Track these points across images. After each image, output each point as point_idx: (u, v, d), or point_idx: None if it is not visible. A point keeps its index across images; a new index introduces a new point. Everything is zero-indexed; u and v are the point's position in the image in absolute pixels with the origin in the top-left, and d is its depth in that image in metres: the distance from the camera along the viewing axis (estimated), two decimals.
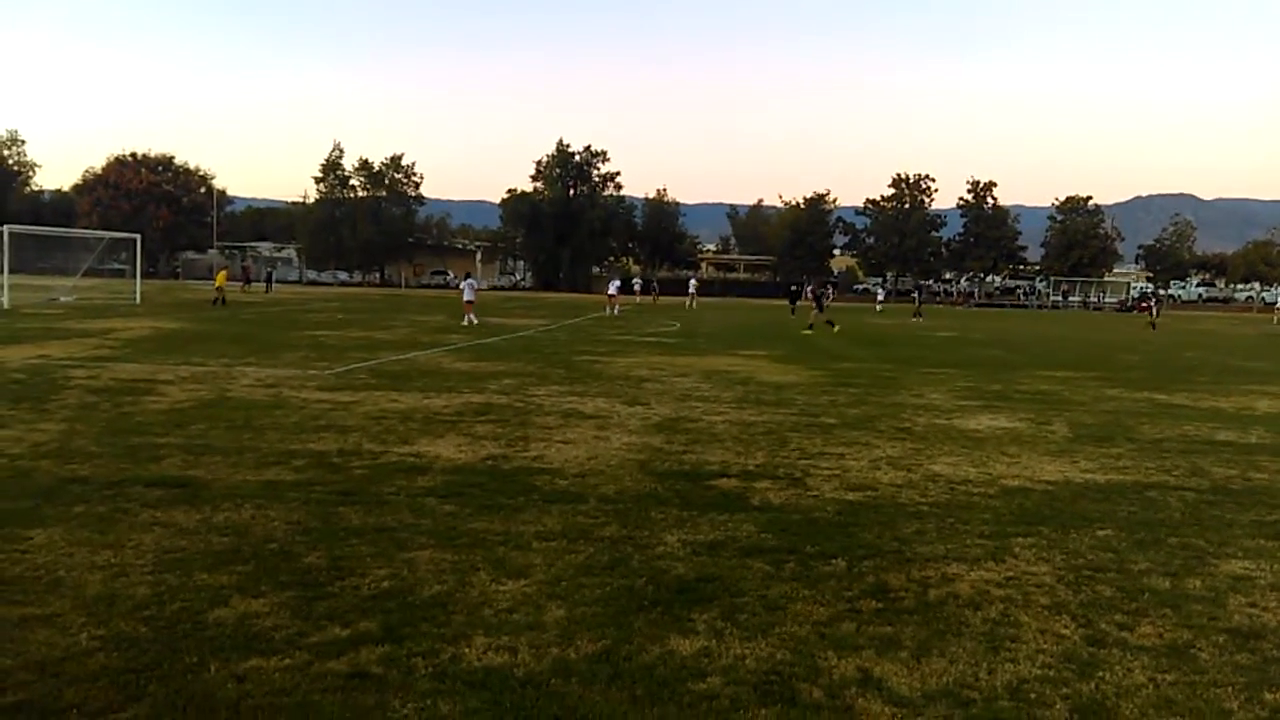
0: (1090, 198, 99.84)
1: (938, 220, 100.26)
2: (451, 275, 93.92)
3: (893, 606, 5.53)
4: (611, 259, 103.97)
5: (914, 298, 59.93)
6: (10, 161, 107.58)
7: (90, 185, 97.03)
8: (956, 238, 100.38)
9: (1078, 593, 5.88)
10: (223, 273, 45.47)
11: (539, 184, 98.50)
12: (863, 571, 6.15)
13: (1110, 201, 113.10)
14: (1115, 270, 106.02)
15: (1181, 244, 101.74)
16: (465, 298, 33.57)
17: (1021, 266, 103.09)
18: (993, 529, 7.32)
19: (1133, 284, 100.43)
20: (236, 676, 4.33)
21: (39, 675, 4.28)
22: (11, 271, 37.18)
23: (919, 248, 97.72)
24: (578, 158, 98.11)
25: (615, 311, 45.12)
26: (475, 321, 31.98)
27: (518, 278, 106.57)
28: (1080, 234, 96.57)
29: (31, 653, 4.51)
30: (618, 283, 50.70)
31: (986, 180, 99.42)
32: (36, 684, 4.20)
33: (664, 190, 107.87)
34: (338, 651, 4.63)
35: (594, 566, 6.07)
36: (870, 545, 6.75)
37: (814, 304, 37.12)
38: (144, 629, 4.84)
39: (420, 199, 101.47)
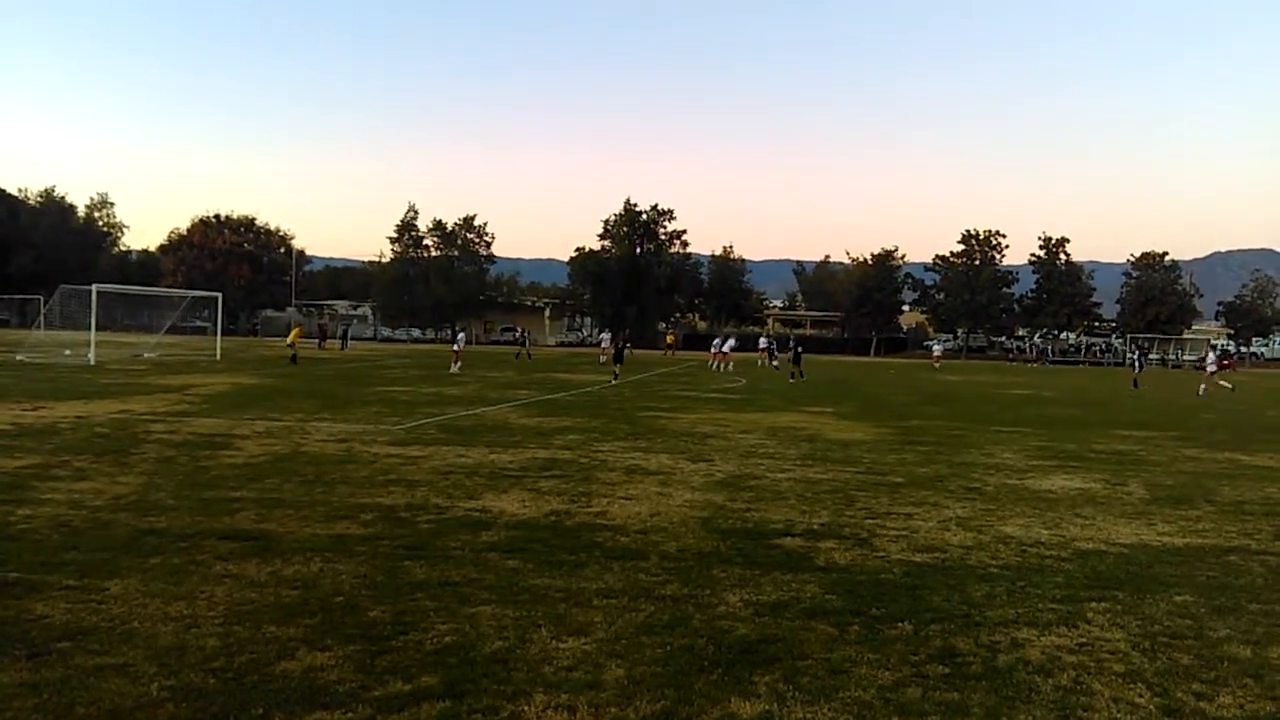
0: (1167, 253, 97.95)
1: (1009, 276, 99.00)
2: (520, 332, 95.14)
3: (960, 672, 5.41)
4: (678, 315, 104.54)
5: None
6: (100, 223, 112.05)
7: (175, 245, 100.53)
8: (1029, 294, 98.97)
9: (1154, 660, 5.69)
10: (295, 330, 45.10)
11: (606, 242, 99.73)
12: (930, 635, 6.03)
13: (1188, 257, 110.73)
14: (1195, 327, 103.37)
15: (1264, 300, 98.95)
16: (455, 348, 39.95)
17: (1097, 323, 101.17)
18: (1065, 593, 7.13)
19: (1213, 341, 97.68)
20: None
21: None
22: (100, 328, 38.59)
23: (990, 304, 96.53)
24: (644, 216, 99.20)
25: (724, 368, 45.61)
26: (457, 370, 36.30)
27: (585, 334, 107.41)
28: (1157, 290, 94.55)
29: (105, 702, 4.62)
30: (733, 342, 50.65)
31: (1059, 236, 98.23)
32: None
33: (730, 247, 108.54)
34: (399, 706, 4.67)
35: (655, 625, 6.05)
36: (938, 608, 6.62)
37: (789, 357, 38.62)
38: (212, 680, 4.94)
39: (491, 258, 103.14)
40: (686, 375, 40.90)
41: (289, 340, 42.68)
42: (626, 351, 37.94)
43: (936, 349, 69.70)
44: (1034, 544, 8.84)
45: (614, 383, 32.43)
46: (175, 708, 4.58)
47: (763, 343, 49.91)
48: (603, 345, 54.60)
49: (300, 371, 34.63)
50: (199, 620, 5.88)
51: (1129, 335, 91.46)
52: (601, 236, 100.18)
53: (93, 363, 34.55)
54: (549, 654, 5.48)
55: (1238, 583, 7.63)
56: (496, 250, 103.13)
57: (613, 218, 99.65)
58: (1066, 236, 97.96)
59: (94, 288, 38.76)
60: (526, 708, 4.70)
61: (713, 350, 49.14)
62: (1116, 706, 4.96)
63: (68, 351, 38.02)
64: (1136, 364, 44.75)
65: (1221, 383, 38.60)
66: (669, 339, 73.64)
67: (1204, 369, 40.62)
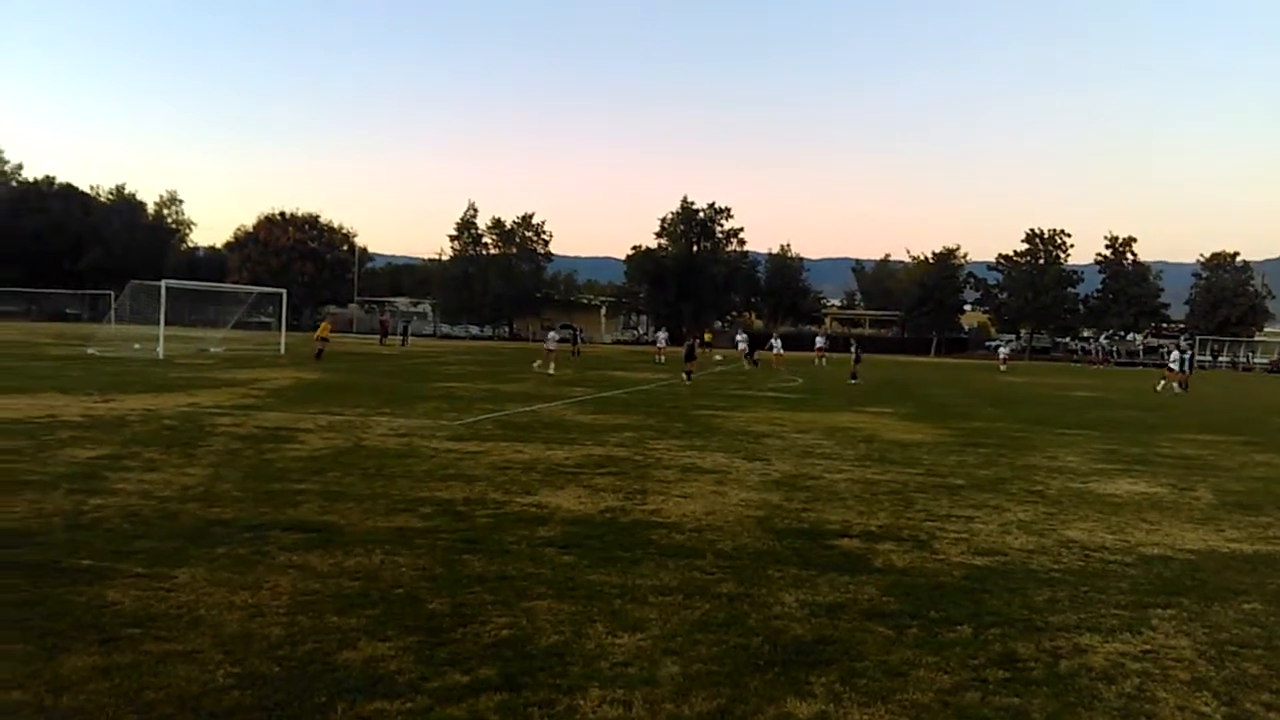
0: (1238, 253, 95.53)
1: (1074, 276, 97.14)
2: (578, 329, 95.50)
3: (1021, 677, 5.33)
4: (734, 314, 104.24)
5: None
6: (169, 220, 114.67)
7: (241, 242, 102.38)
8: (1095, 294, 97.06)
9: (1221, 669, 5.56)
10: (325, 325, 42.91)
11: (663, 240, 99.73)
12: (990, 639, 5.95)
13: (1260, 258, 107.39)
14: (1266, 329, 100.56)
15: None
16: (548, 347, 38.06)
17: (1164, 325, 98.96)
18: (1130, 599, 6.99)
19: (1179, 344, 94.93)
20: (361, 718, 4.46)
21: (179, 709, 4.50)
22: (168, 323, 39.41)
23: (1054, 305, 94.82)
24: (701, 214, 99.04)
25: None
26: (551, 370, 34.22)
27: (640, 332, 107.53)
28: (1227, 291, 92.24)
29: (173, 687, 4.74)
30: (777, 343, 50.42)
31: (1126, 235, 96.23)
32: (177, 717, 4.42)
33: (788, 245, 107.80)
34: (458, 697, 4.72)
35: (710, 623, 6.05)
36: (998, 612, 6.53)
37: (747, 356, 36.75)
38: (276, 668, 5.04)
39: (549, 256, 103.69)
40: (742, 374, 40.76)
41: (317, 334, 40.81)
42: (699, 351, 37.04)
43: (1003, 351, 67.84)
44: (1098, 549, 8.68)
45: (687, 382, 32.21)
46: (240, 694, 4.69)
47: (776, 344, 49.10)
48: (659, 344, 54.21)
49: (361, 367, 35.12)
50: (264, 609, 6.00)
51: (1196, 336, 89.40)
52: (658, 235, 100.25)
53: (161, 357, 35.34)
54: (604, 649, 5.51)
55: None
56: (554, 248, 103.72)
57: (669, 216, 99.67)
58: (1133, 236, 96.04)
59: (163, 283, 39.59)
60: (582, 702, 4.73)
61: (739, 349, 49.60)
62: (1182, 715, 4.86)
63: (137, 345, 38.92)
64: (1185, 365, 42.34)
65: (1174, 385, 39.01)
66: (707, 337, 73.41)
67: (1167, 367, 41.97)
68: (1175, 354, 42.40)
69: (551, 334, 39.93)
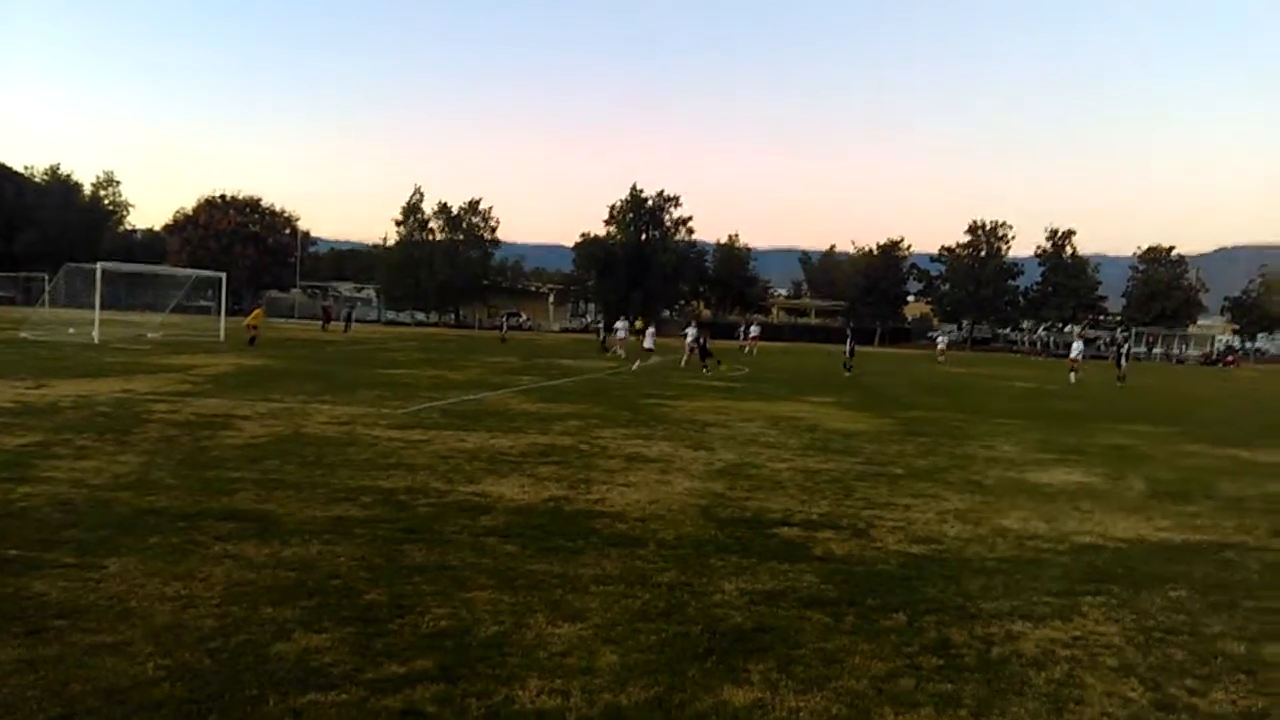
0: (1173, 248, 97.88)
1: (1014, 268, 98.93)
2: (524, 317, 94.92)
3: (954, 663, 5.42)
4: (683, 302, 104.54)
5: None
6: (106, 201, 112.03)
7: (181, 225, 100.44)
8: (1034, 286, 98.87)
9: (1147, 655, 5.71)
10: (258, 311, 42.24)
11: (612, 228, 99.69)
12: (924, 626, 6.04)
13: (1195, 252, 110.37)
14: (1200, 322, 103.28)
15: (1270, 296, 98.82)
16: (618, 335, 41.39)
17: (1102, 317, 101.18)
18: (1061, 586, 7.14)
19: (1217, 337, 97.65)
20: (294, 711, 4.41)
21: (106, 702, 4.41)
22: (104, 307, 38.47)
23: (995, 296, 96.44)
24: (650, 203, 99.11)
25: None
26: (620, 354, 35.90)
27: (589, 320, 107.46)
28: (1163, 285, 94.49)
29: (100, 679, 4.65)
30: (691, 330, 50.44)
31: (1066, 228, 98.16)
32: (103, 710, 4.33)
33: (736, 235, 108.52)
34: (394, 688, 4.69)
35: (650, 612, 6.06)
36: (933, 600, 6.63)
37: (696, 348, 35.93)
38: (208, 660, 4.96)
39: (496, 242, 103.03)
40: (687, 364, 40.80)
41: (247, 321, 39.58)
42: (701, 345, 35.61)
43: (941, 342, 68.08)
44: (1031, 537, 8.85)
45: (706, 372, 31.96)
46: (171, 687, 4.61)
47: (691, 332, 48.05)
48: (618, 335, 52.20)
49: (303, 353, 34.63)
50: (196, 600, 5.90)
51: (1133, 328, 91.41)
52: (607, 222, 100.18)
53: (96, 341, 34.54)
54: (544, 639, 5.49)
55: (1233, 579, 7.64)
56: (502, 235, 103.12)
57: (619, 203, 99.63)
58: (1073, 229, 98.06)
59: (98, 266, 38.61)
60: (520, 692, 4.72)
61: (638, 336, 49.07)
62: (1109, 700, 4.97)
63: (72, 330, 38.03)
64: (1120, 359, 43.09)
65: (1073, 372, 41.11)
66: (639, 324, 72.49)
67: (1070, 357, 44.72)
68: (1077, 344, 45.57)
69: (619, 325, 44.54)
